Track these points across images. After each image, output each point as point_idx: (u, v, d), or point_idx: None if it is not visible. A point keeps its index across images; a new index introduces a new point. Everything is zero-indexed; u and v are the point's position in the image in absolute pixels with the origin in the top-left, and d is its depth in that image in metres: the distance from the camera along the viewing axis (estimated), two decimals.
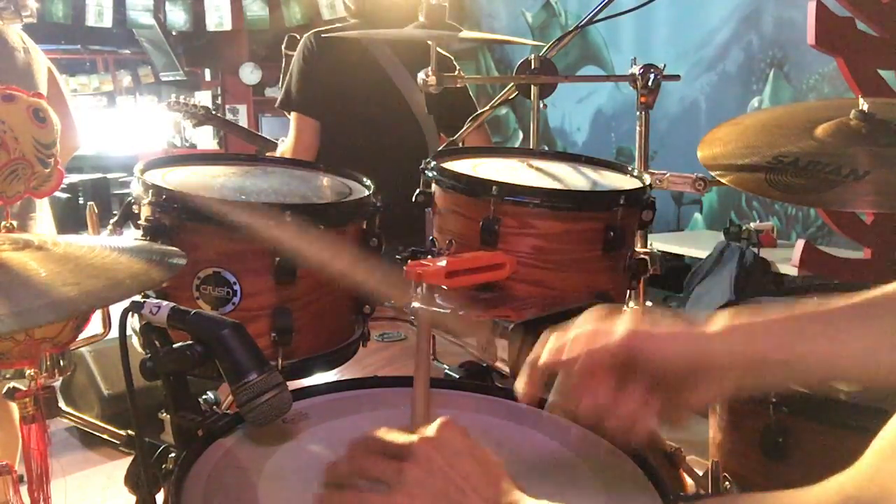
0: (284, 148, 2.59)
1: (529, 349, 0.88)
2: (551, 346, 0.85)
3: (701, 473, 1.33)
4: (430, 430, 0.78)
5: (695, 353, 0.78)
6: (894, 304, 0.75)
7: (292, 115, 2.51)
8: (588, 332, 0.83)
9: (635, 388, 0.80)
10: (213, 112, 3.64)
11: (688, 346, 0.78)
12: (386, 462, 0.77)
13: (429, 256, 1.26)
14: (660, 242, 4.13)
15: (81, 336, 1.23)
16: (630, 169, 1.45)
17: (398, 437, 0.80)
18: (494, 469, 0.75)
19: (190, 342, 0.90)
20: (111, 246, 0.93)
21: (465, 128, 1.91)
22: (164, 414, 0.94)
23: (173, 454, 0.92)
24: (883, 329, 0.74)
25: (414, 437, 0.78)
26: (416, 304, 1.24)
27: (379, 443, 0.82)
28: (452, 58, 2.52)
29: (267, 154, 2.98)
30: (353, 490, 0.77)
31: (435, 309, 1.01)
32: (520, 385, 0.86)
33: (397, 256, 1.29)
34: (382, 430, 0.82)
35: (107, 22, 6.44)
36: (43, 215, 2.14)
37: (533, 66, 1.71)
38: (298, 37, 2.68)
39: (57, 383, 1.29)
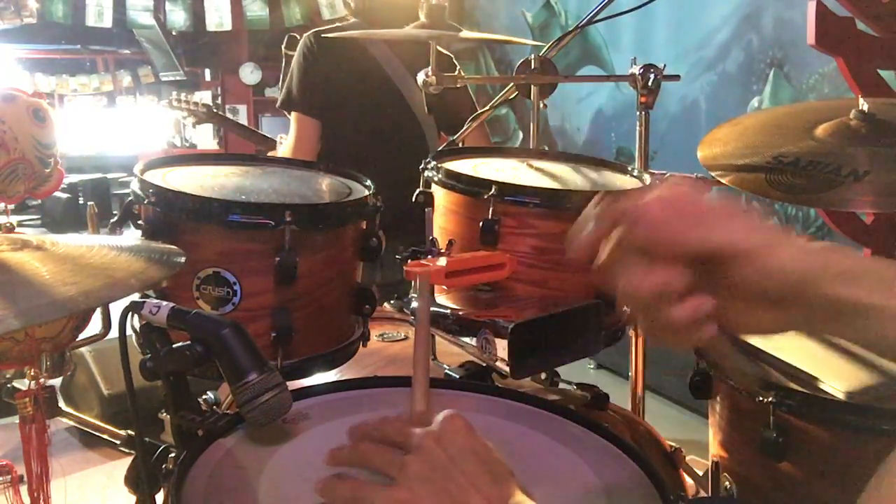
0: (285, 148, 2.59)
1: (529, 349, 0.87)
2: (645, 202, 0.70)
3: (701, 473, 1.33)
4: (436, 423, 0.78)
5: (801, 276, 0.66)
6: None
7: (293, 116, 2.51)
8: (694, 200, 0.69)
9: (710, 293, 0.68)
10: (214, 109, 3.63)
11: (798, 265, 0.67)
12: (389, 453, 0.77)
13: (429, 256, 1.26)
14: None
15: (81, 336, 1.23)
16: (630, 169, 1.46)
17: (404, 428, 0.79)
18: (498, 468, 0.75)
19: (190, 342, 0.90)
20: (110, 245, 0.93)
21: (465, 128, 1.92)
22: (164, 414, 0.94)
23: (173, 454, 0.92)
24: None
25: (419, 431, 0.77)
26: (416, 305, 1.24)
27: (384, 431, 0.81)
28: (453, 56, 2.53)
29: (268, 153, 2.98)
30: (354, 479, 0.77)
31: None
32: (580, 231, 0.72)
33: (397, 256, 1.29)
34: (389, 419, 0.82)
35: (107, 22, 6.44)
36: None
37: (533, 66, 1.71)
38: (298, 37, 2.68)
39: (57, 383, 1.29)
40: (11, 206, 1.37)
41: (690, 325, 0.69)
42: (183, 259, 0.95)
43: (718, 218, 0.68)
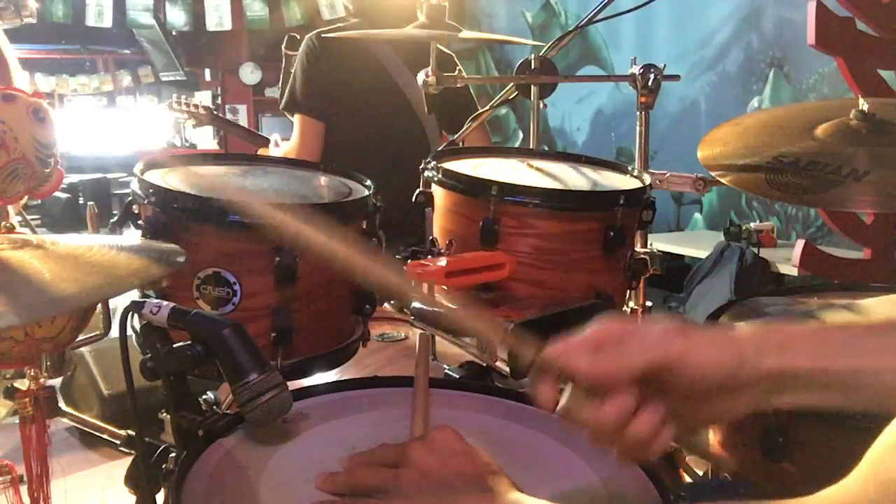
0: (287, 149, 2.59)
1: (529, 349, 0.87)
2: (570, 349, 0.76)
3: (701, 473, 1.33)
4: (426, 436, 0.80)
5: (732, 366, 0.71)
6: None
7: (297, 118, 2.51)
8: (615, 331, 0.75)
9: (658, 402, 0.73)
10: (215, 112, 3.63)
11: (726, 358, 0.72)
12: (381, 470, 0.77)
13: (429, 256, 1.26)
14: (660, 242, 4.13)
15: (81, 336, 1.23)
16: (630, 169, 1.45)
17: (393, 447, 0.80)
18: (490, 467, 0.75)
19: (190, 342, 0.90)
20: (110, 244, 0.93)
21: (465, 128, 1.92)
22: (164, 414, 0.94)
23: (173, 454, 0.92)
24: None
25: (410, 443, 0.78)
26: (416, 305, 1.24)
27: (374, 454, 0.82)
28: (454, 56, 2.53)
29: (257, 151, 2.96)
30: (350, 500, 0.77)
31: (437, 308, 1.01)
32: (538, 391, 0.79)
33: (397, 256, 1.29)
34: (383, 446, 0.83)
35: (107, 22, 6.44)
36: None
37: (533, 66, 1.71)
38: (298, 37, 2.68)
39: (57, 383, 1.29)
40: (15, 207, 1.37)
41: (653, 436, 0.74)
42: (183, 258, 0.95)
43: (637, 341, 0.74)
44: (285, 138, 2.83)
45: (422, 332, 1.11)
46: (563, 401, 0.77)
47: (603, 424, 0.74)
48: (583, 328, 0.77)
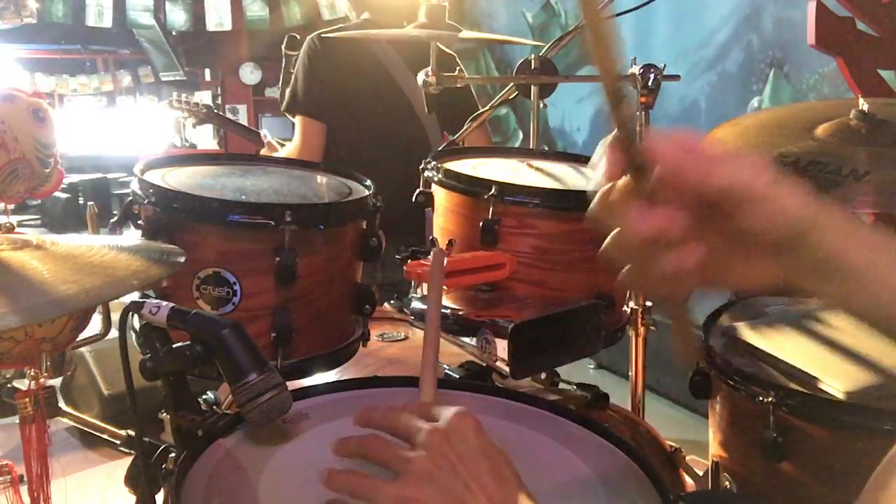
0: (290, 150, 2.59)
1: (529, 349, 0.87)
2: (664, 136, 0.66)
3: (701, 473, 1.33)
4: (445, 420, 0.77)
5: (803, 224, 0.64)
6: None
7: (298, 119, 2.51)
8: (713, 144, 0.66)
9: (697, 245, 0.64)
10: (214, 111, 3.64)
11: (800, 212, 0.64)
12: (396, 448, 0.77)
13: (429, 256, 1.26)
14: None
15: (81, 336, 1.23)
16: None
17: (412, 421, 0.79)
18: (505, 469, 0.75)
19: (190, 342, 0.90)
20: (110, 244, 0.93)
21: (465, 128, 1.92)
22: (164, 414, 0.94)
23: (173, 454, 0.92)
24: None
25: (428, 427, 0.76)
26: (416, 305, 1.24)
27: (393, 422, 0.81)
28: (455, 56, 2.53)
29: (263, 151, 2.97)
30: (359, 472, 0.76)
31: None
32: (607, 156, 0.69)
33: (397, 256, 1.29)
34: (398, 408, 0.81)
35: (107, 22, 6.43)
36: None
37: (533, 66, 1.71)
38: (298, 37, 2.67)
39: (57, 383, 1.29)
40: (11, 207, 1.37)
41: (676, 276, 0.66)
42: (183, 258, 0.95)
43: (729, 160, 0.65)
44: (286, 139, 2.84)
45: (436, 250, 1.07)
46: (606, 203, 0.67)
47: (640, 233, 0.65)
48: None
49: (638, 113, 1.60)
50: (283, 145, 2.89)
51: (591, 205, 0.69)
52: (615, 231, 0.68)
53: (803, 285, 0.69)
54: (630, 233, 0.66)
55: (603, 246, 0.69)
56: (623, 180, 0.67)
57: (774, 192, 0.65)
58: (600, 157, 0.70)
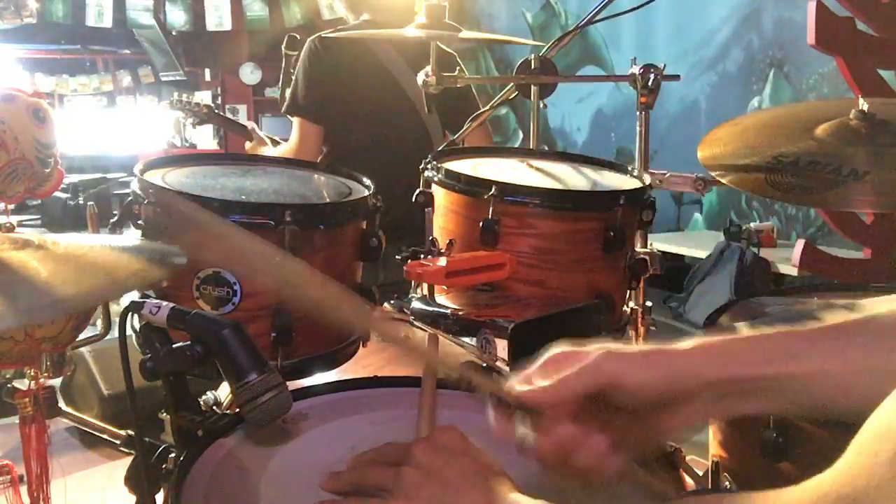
0: (285, 150, 2.59)
1: (529, 349, 0.88)
2: (522, 378, 0.79)
3: (701, 473, 1.33)
4: (430, 435, 0.80)
5: (665, 381, 0.73)
6: (879, 326, 0.72)
7: (296, 120, 2.51)
8: (556, 356, 0.78)
9: (605, 422, 0.75)
10: (216, 110, 3.65)
11: (661, 365, 0.74)
12: (384, 468, 0.78)
13: (429, 256, 1.26)
14: (660, 242, 4.13)
15: (81, 336, 1.23)
16: (630, 169, 1.45)
17: (397, 446, 0.80)
18: (492, 469, 0.76)
19: (190, 342, 0.90)
20: (111, 244, 0.93)
21: (465, 128, 1.91)
22: (164, 414, 0.94)
23: (173, 454, 0.92)
24: (866, 351, 0.70)
25: (413, 443, 0.78)
26: (416, 304, 1.24)
27: (378, 452, 0.82)
28: (456, 55, 2.53)
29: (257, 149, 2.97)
30: (353, 497, 0.77)
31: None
32: (492, 420, 0.81)
33: (397, 256, 1.29)
34: (388, 445, 0.83)
35: (107, 22, 6.44)
36: None
37: (533, 66, 1.71)
38: (298, 37, 2.67)
39: (57, 383, 1.29)
40: (11, 207, 1.37)
41: (599, 463, 0.75)
42: (183, 259, 0.95)
43: (575, 364, 0.75)
44: (283, 138, 2.83)
45: (430, 332, 1.11)
46: (517, 431, 0.79)
47: (548, 454, 0.76)
48: (536, 358, 0.80)
49: (638, 113, 1.60)
50: (277, 143, 2.89)
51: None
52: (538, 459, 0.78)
53: (726, 411, 0.78)
54: (545, 457, 0.77)
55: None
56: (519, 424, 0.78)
57: (623, 376, 0.74)
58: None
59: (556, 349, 0.79)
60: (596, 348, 0.76)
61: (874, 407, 0.52)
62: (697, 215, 5.01)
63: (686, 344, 0.75)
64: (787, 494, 0.53)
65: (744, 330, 0.76)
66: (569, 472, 0.77)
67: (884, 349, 0.69)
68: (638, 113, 1.60)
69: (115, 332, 0.98)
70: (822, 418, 0.68)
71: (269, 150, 2.87)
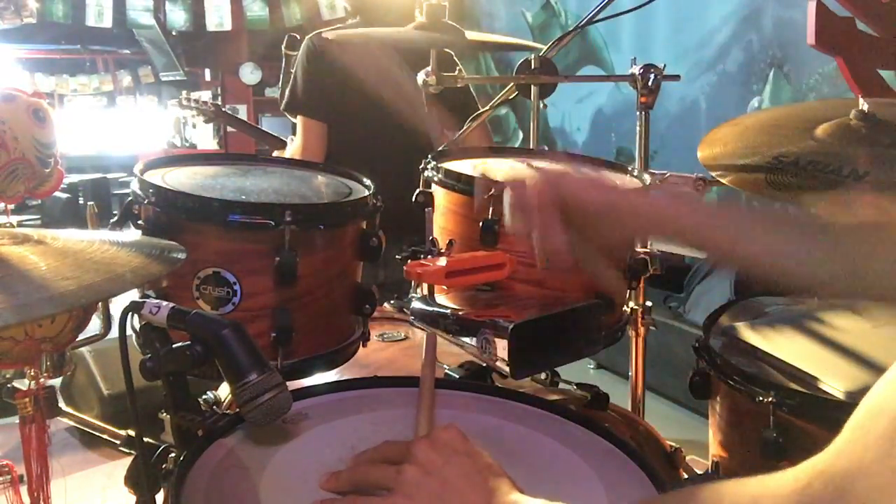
0: (292, 150, 2.60)
1: (529, 349, 0.89)
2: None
3: (701, 473, 1.33)
4: (430, 434, 0.80)
5: (607, 199, 0.95)
6: (809, 220, 0.90)
7: (299, 119, 2.51)
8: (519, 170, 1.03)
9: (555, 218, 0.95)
10: (223, 108, 3.69)
11: (602, 192, 0.97)
12: (384, 467, 0.78)
13: (429, 256, 1.26)
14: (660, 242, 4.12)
15: (81, 336, 1.23)
16: (630, 169, 1.45)
17: (397, 445, 0.81)
18: (492, 468, 0.76)
19: (190, 342, 0.90)
20: (110, 241, 0.93)
21: (465, 127, 1.91)
22: (164, 414, 0.94)
23: (173, 454, 0.92)
24: (788, 238, 0.82)
25: (414, 441, 0.78)
26: (416, 305, 1.24)
27: (378, 451, 0.83)
28: (453, 54, 2.52)
29: (274, 153, 2.99)
30: (353, 496, 0.78)
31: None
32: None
33: (397, 256, 1.29)
34: (387, 443, 0.83)
35: (107, 22, 6.43)
36: None
37: (533, 66, 1.71)
38: (298, 37, 2.68)
39: (57, 383, 1.29)
40: (11, 206, 1.37)
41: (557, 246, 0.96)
42: (183, 255, 0.95)
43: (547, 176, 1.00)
44: (281, 138, 2.84)
45: (429, 332, 1.11)
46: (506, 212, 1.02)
47: (518, 224, 0.99)
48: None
49: (638, 113, 1.60)
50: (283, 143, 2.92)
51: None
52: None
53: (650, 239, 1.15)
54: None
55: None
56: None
57: (580, 192, 0.97)
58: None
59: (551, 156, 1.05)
60: (545, 168, 1.02)
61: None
62: None
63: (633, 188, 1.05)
64: (783, 476, 0.53)
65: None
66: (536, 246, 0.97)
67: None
68: (638, 113, 1.60)
69: (115, 332, 0.98)
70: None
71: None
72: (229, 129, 5.80)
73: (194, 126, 7.40)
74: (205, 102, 3.58)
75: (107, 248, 0.90)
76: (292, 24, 6.56)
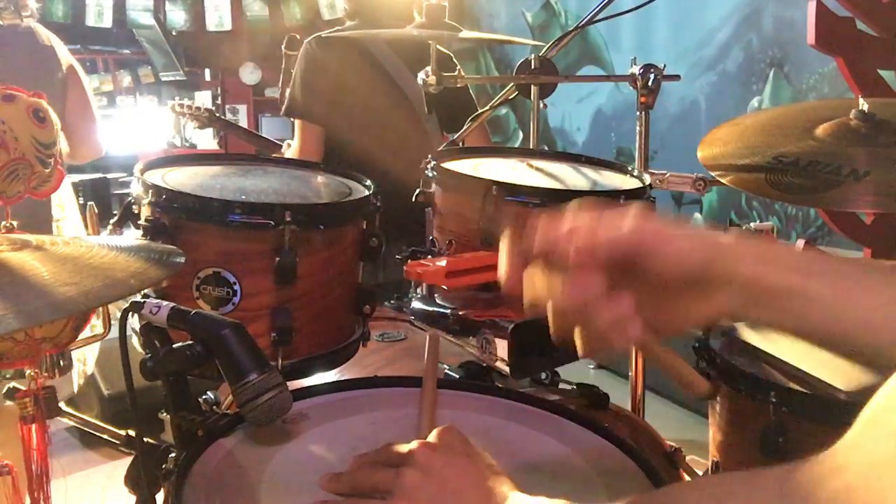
0: (290, 153, 2.61)
1: (529, 349, 0.88)
2: (544, 232, 0.75)
3: (701, 473, 1.33)
4: (430, 435, 0.80)
5: (706, 258, 0.69)
6: None
7: (297, 122, 2.52)
8: (589, 221, 0.72)
9: (626, 292, 0.71)
10: (217, 114, 3.68)
11: (701, 248, 0.69)
12: (384, 469, 0.78)
13: (429, 256, 1.26)
14: None
15: (81, 336, 1.22)
16: (630, 169, 1.45)
17: (398, 447, 0.80)
18: (492, 469, 0.76)
19: (190, 342, 0.90)
20: (110, 245, 0.93)
21: (465, 128, 1.92)
22: (164, 414, 0.94)
23: (173, 454, 0.92)
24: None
25: (414, 443, 0.78)
26: (416, 305, 1.24)
27: (379, 454, 0.82)
28: (452, 55, 2.53)
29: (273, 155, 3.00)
30: (353, 498, 0.78)
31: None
32: (502, 271, 0.79)
33: (397, 256, 1.29)
34: (388, 446, 0.83)
35: (107, 22, 6.43)
36: (69, 217, 2.17)
37: (533, 66, 1.71)
38: (298, 37, 2.68)
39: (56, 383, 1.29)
40: (11, 207, 1.37)
41: (617, 326, 0.71)
42: (183, 259, 0.95)
43: (614, 218, 0.72)
44: (281, 139, 2.85)
45: (431, 332, 1.11)
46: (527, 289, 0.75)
47: (569, 305, 0.72)
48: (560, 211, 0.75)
49: (638, 113, 1.60)
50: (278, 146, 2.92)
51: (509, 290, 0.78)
52: (552, 309, 0.74)
53: (742, 315, 0.75)
54: (565, 304, 0.73)
55: (552, 331, 0.75)
56: (535, 266, 0.75)
57: (664, 241, 0.70)
58: None
59: (580, 205, 0.75)
60: (635, 209, 0.72)
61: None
62: (697, 215, 5.00)
63: (728, 237, 0.71)
64: (801, 469, 0.53)
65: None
66: (589, 333, 0.73)
67: None
68: (638, 113, 1.61)
69: (115, 332, 0.98)
70: (825, 344, 0.68)
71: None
72: None
73: (196, 128, 7.40)
74: (198, 108, 3.57)
75: (106, 253, 0.90)
76: (292, 24, 6.56)
